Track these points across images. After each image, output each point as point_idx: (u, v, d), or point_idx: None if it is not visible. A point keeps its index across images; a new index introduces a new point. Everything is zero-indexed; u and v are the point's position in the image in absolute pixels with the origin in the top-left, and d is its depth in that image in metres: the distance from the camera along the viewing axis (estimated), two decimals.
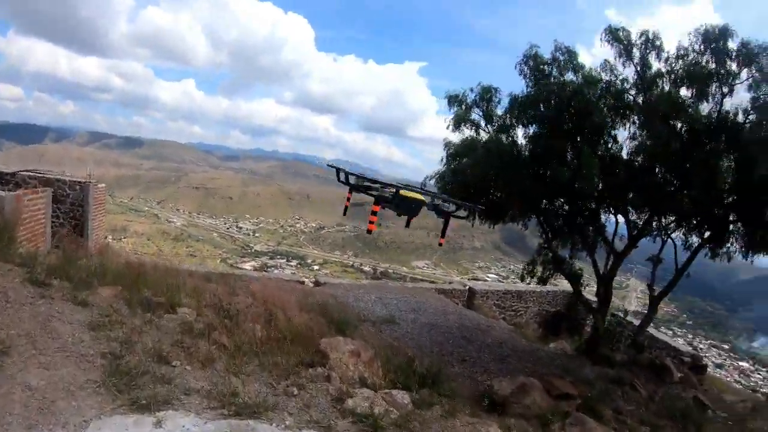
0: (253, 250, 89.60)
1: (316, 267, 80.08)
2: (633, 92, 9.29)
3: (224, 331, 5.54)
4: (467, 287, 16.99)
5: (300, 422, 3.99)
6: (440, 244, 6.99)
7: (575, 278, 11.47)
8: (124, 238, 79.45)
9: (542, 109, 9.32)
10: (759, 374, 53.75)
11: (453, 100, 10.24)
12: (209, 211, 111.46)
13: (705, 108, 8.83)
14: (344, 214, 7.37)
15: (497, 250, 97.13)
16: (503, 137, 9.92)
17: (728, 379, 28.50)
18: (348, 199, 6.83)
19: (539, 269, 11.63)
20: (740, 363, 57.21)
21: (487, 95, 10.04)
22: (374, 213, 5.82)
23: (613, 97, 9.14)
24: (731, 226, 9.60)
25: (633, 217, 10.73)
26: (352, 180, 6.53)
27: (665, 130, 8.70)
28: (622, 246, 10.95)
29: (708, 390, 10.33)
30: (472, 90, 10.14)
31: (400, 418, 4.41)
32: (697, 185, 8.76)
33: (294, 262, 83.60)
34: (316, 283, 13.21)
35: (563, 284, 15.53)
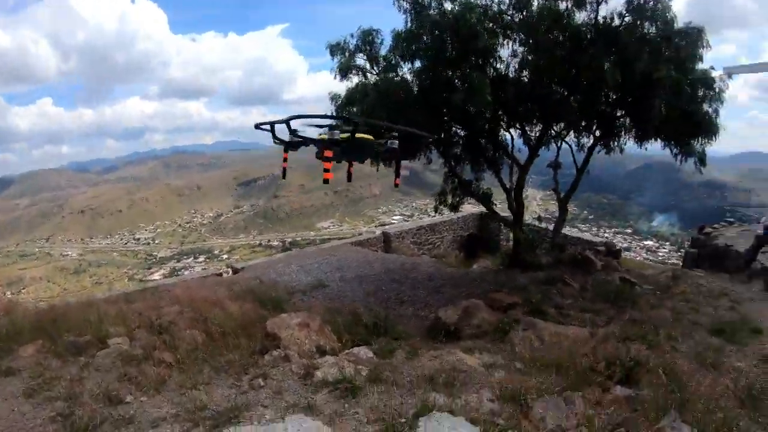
0: (157, 258, 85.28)
1: (224, 256, 77.37)
2: (511, 12, 9.53)
3: (164, 348, 5.16)
4: (381, 233, 17.26)
5: (279, 411, 3.82)
6: (396, 185, 6.82)
7: (486, 198, 12.02)
8: (23, 288, 72.40)
9: (426, 41, 9.34)
10: (663, 249, 60.28)
11: (335, 49, 10.05)
12: (102, 232, 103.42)
13: (583, 16, 9.32)
14: (283, 177, 6.78)
15: (396, 192, 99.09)
16: (392, 76, 9.90)
17: (638, 258, 31.44)
18: (285, 160, 6.20)
19: (449, 197, 12.05)
20: (645, 242, 63.73)
21: (368, 38, 9.96)
22: (327, 159, 5.32)
23: (492, 20, 9.34)
24: (619, 122, 10.42)
25: (528, 130, 11.22)
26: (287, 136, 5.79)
27: (550, 41, 9.09)
28: (524, 159, 11.48)
29: (629, 270, 11.26)
30: (352, 36, 10.00)
31: (372, 373, 4.40)
32: (584, 89, 9.35)
33: (202, 258, 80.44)
34: (235, 271, 12.82)
35: (468, 209, 16.07)
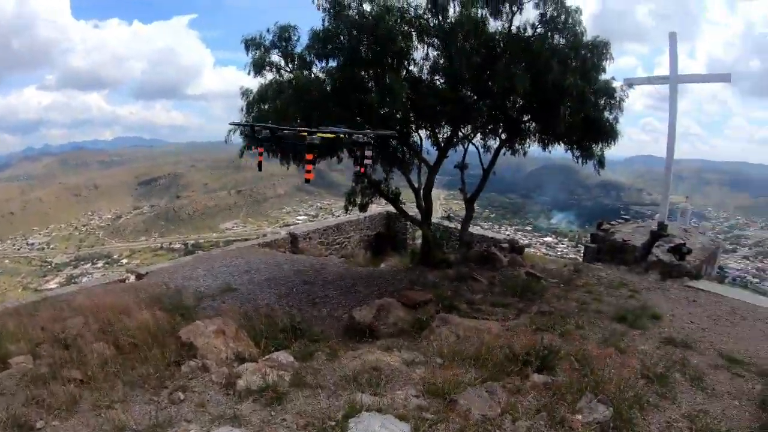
0: (53, 265, 78.01)
1: (125, 261, 72.04)
2: (427, 16, 9.78)
3: (72, 364, 4.75)
4: (288, 234, 17.04)
5: (205, 424, 3.63)
6: (362, 173, 7.57)
7: (395, 198, 12.29)
8: None
9: (343, 41, 9.38)
10: (562, 245, 64.58)
11: (250, 43, 9.83)
12: None
13: (498, 25, 9.80)
14: (260, 169, 7.55)
15: (301, 192, 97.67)
16: (306, 74, 9.82)
17: (539, 254, 33.40)
18: (260, 153, 7.08)
19: (359, 197, 12.18)
20: (545, 239, 67.91)
21: (285, 34, 9.81)
22: (311, 162, 6.17)
23: (408, 23, 9.55)
24: (526, 126, 11.07)
25: (438, 132, 11.59)
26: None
27: (465, 48, 9.42)
28: (432, 160, 11.82)
29: (534, 265, 11.90)
30: (269, 31, 9.81)
31: (295, 377, 4.34)
32: (495, 95, 9.78)
33: (101, 264, 74.34)
34: (138, 276, 12.08)
35: (374, 209, 16.23)
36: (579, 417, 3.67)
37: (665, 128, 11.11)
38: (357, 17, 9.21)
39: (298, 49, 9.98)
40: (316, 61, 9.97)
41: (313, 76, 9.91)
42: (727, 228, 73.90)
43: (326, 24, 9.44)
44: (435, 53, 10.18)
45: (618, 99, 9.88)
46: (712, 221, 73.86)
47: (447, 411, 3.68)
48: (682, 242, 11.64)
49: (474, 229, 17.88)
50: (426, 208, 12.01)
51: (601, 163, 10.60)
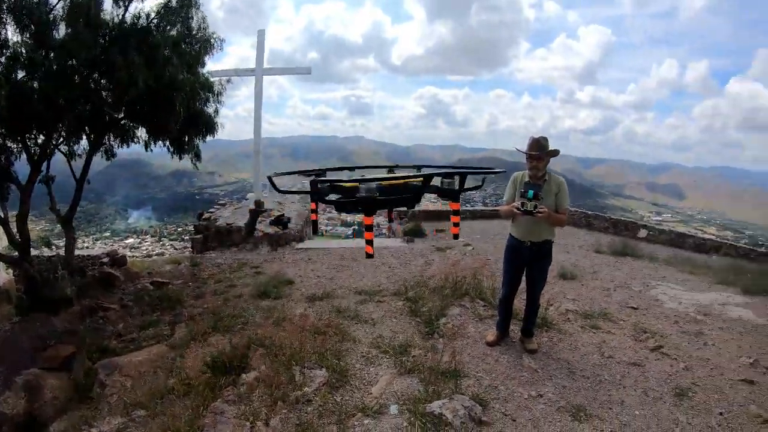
0: None
1: None
2: None
3: None
4: None
5: None
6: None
7: None
8: None
9: None
10: (146, 242, 62.14)
11: None
12: None
13: (115, 12, 8.42)
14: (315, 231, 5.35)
15: None
16: None
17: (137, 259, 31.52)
18: (314, 211, 4.82)
19: None
20: (126, 241, 63.97)
21: None
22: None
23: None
24: (128, 125, 10.04)
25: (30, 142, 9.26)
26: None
27: (68, 37, 7.75)
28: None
29: (151, 271, 11.37)
30: None
31: None
32: (113, 91, 8.61)
33: None
34: None
35: None
36: (307, 389, 4.14)
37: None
38: None
39: None
40: None
41: None
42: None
43: None
44: (15, 39, 7.83)
45: (217, 92, 10.17)
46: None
47: None
48: (281, 213, 13.19)
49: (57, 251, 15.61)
50: (23, 241, 9.62)
51: (197, 155, 10.73)
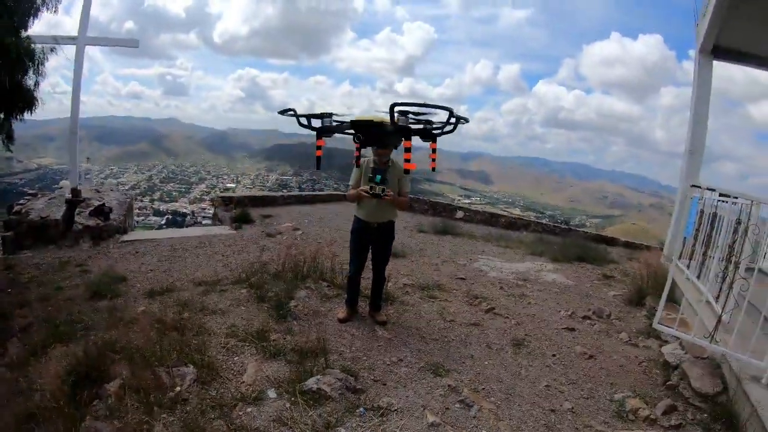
0: None
1: None
2: None
3: None
4: None
5: None
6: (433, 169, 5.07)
7: None
8: None
9: None
10: None
11: None
12: None
13: None
14: (318, 167, 5.66)
15: None
16: None
17: None
18: (319, 148, 5.42)
19: None
20: None
21: None
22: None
23: None
24: None
25: None
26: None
27: None
28: None
29: None
30: None
31: None
32: None
33: None
34: None
35: None
36: (179, 389, 3.95)
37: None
38: None
39: None
40: None
41: None
42: (103, 179, 78.36)
43: None
44: None
45: (38, 62, 8.55)
46: (89, 175, 76.75)
47: None
48: (102, 203, 11.98)
49: None
50: None
51: (10, 137, 8.88)
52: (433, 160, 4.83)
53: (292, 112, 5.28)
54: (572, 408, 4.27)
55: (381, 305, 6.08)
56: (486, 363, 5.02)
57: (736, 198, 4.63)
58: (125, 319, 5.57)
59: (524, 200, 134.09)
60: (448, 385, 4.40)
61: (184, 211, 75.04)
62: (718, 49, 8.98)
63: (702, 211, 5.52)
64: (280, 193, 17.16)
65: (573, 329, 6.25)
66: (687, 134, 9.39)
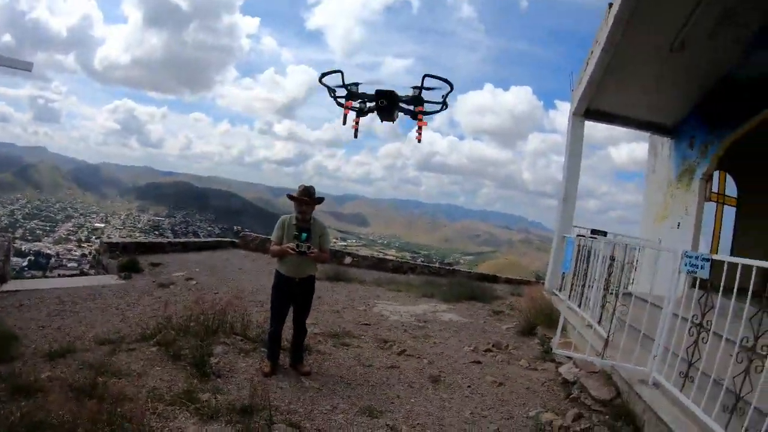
0: None
1: None
2: None
3: None
4: None
5: None
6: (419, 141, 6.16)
7: None
8: None
9: None
10: None
11: None
12: None
13: None
14: (355, 136, 6.22)
15: None
16: None
17: None
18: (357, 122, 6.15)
19: None
20: None
21: None
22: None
23: None
24: None
25: None
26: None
27: None
28: None
29: None
30: None
31: None
32: None
33: None
34: None
35: None
36: None
37: None
38: None
39: None
40: None
41: None
42: None
43: None
44: None
45: None
46: None
47: None
48: None
49: None
50: None
51: None
52: (420, 133, 5.99)
53: (338, 73, 5.96)
54: (498, 429, 4.90)
55: (303, 356, 6.33)
56: (412, 400, 5.50)
57: (605, 234, 5.72)
58: (33, 387, 5.19)
59: (399, 241, 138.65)
60: (386, 425, 4.76)
61: (48, 252, 69.36)
62: (589, 112, 10.95)
63: (579, 248, 6.61)
64: (167, 240, 16.82)
65: (479, 362, 7.03)
66: (561, 184, 11.14)
